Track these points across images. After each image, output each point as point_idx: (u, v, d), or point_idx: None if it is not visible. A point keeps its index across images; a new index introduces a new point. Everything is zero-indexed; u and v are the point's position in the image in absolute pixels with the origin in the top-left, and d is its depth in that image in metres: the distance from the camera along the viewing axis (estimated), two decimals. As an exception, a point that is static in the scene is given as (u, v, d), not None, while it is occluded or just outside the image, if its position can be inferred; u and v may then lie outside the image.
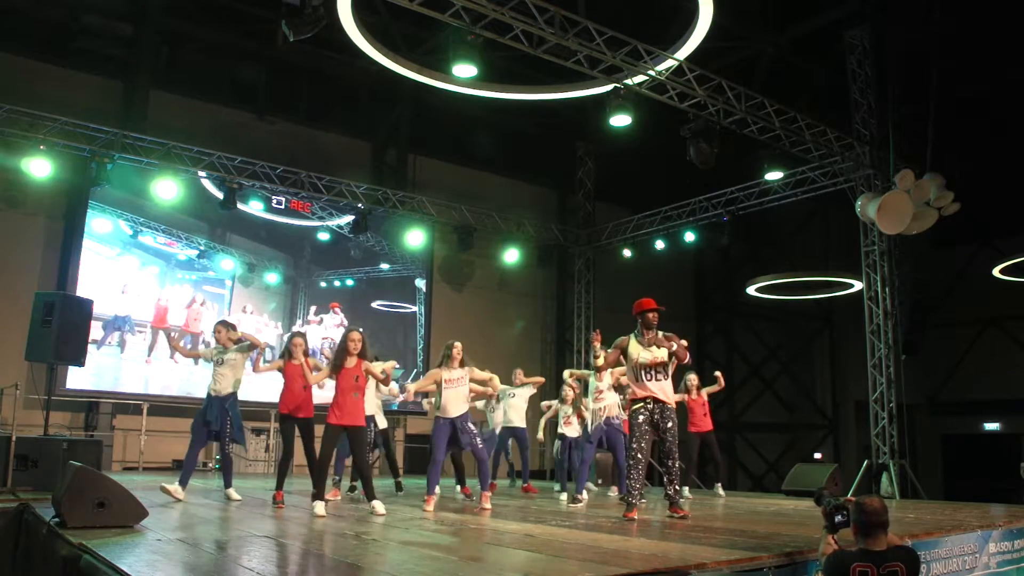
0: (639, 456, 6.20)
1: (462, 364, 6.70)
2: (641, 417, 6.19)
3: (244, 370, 7.18)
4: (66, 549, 4.22)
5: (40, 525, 5.15)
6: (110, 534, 4.53)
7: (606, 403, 7.83)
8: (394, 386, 8.73)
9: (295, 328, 12.70)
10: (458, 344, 6.73)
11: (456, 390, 6.66)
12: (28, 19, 12.04)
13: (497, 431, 9.33)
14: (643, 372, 6.20)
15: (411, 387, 7.32)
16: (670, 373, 6.35)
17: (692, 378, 9.18)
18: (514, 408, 9.06)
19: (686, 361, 6.36)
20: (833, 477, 9.47)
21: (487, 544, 4.61)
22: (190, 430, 7.17)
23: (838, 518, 3.78)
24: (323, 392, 7.23)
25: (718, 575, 3.68)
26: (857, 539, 3.65)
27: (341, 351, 6.14)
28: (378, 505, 6.14)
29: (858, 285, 12.66)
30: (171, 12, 12.64)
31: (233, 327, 7.30)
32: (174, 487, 6.75)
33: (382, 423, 8.35)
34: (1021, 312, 16.72)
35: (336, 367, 6.10)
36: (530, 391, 9.22)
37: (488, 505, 6.69)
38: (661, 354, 6.21)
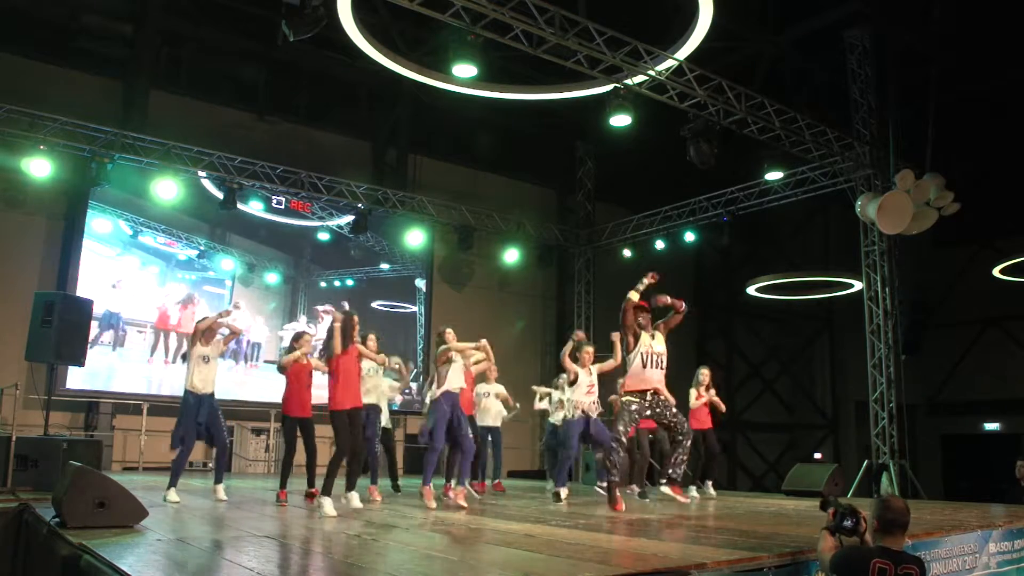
0: (624, 440, 6.35)
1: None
2: (635, 406, 6.30)
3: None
4: (66, 549, 4.22)
5: (40, 525, 5.14)
6: (110, 534, 4.53)
7: (594, 398, 7.60)
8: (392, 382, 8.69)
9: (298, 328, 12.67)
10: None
11: (458, 364, 7.01)
12: (28, 19, 12.02)
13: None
14: (649, 359, 6.34)
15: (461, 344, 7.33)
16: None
17: (705, 372, 8.90)
18: (490, 407, 8.93)
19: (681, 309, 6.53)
20: (833, 477, 9.44)
21: (487, 544, 4.61)
22: (180, 433, 7.01)
23: (847, 522, 3.76)
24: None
25: (718, 575, 3.68)
26: (875, 536, 3.64)
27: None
28: (354, 498, 6.13)
29: (858, 285, 12.66)
30: (171, 12, 12.63)
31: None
32: (172, 495, 6.69)
33: (386, 421, 8.32)
34: (1021, 312, 16.74)
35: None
36: (500, 389, 9.04)
37: (464, 503, 6.61)
38: (660, 345, 6.45)
